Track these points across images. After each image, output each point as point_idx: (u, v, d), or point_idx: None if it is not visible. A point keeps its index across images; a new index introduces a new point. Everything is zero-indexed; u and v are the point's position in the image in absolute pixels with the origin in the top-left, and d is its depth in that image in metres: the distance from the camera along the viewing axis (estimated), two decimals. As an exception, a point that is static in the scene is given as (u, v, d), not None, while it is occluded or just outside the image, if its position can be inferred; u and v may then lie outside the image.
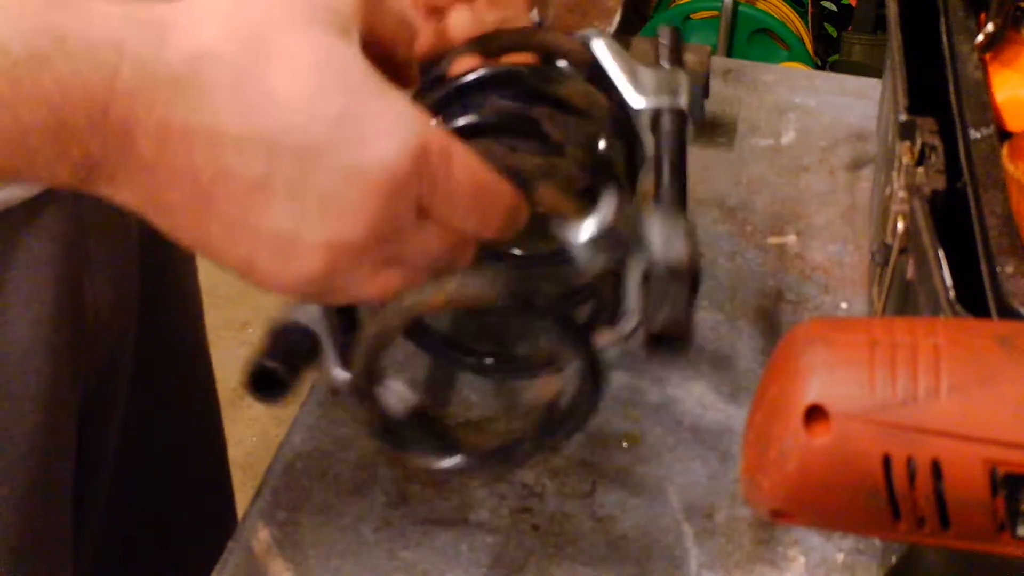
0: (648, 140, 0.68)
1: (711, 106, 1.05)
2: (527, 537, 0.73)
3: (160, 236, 0.52)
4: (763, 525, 0.74)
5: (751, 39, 2.28)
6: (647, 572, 0.72)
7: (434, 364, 0.79)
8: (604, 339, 0.60)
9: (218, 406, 1.09)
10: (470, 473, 0.67)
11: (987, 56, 0.72)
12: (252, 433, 2.13)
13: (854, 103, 1.09)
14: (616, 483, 0.76)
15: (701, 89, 0.99)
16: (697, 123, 1.05)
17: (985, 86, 0.70)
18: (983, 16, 0.74)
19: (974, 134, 0.66)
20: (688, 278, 0.59)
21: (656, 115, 0.68)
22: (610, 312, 0.62)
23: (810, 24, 2.39)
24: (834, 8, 2.51)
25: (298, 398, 0.83)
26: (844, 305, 0.90)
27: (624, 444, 0.79)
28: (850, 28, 2.34)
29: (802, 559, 0.73)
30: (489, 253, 0.59)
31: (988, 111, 0.68)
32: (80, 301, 0.79)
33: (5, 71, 0.45)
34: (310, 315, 0.61)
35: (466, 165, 0.52)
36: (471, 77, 0.66)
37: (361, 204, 0.49)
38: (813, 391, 0.50)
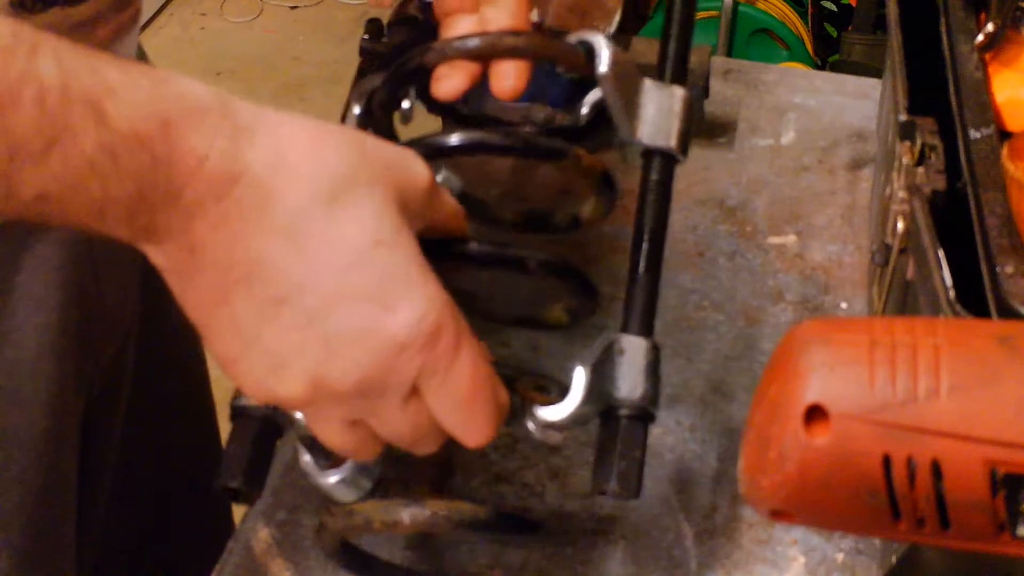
0: (634, 160, 0.67)
1: (711, 106, 1.05)
2: (527, 537, 0.73)
3: None
4: (763, 525, 0.74)
5: (751, 39, 2.28)
6: (647, 572, 0.72)
7: None
8: (546, 415, 0.61)
9: (214, 407, 1.10)
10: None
11: (987, 56, 0.72)
12: (252, 433, 2.13)
13: (854, 103, 1.09)
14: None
15: (701, 89, 1.00)
16: (697, 123, 1.05)
17: (985, 86, 0.70)
18: (983, 16, 0.74)
19: (974, 134, 0.66)
20: (646, 423, 0.62)
21: (647, 153, 0.66)
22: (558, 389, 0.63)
23: (810, 24, 2.39)
24: (834, 8, 2.51)
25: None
26: (844, 305, 0.90)
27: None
28: (850, 28, 2.34)
29: (802, 559, 0.73)
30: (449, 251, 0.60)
31: (988, 111, 0.68)
32: (86, 306, 0.79)
33: (109, 147, 0.48)
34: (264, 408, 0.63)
35: (471, 360, 0.54)
36: (466, 139, 0.66)
37: (361, 358, 0.52)
38: (813, 391, 0.50)
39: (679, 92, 0.66)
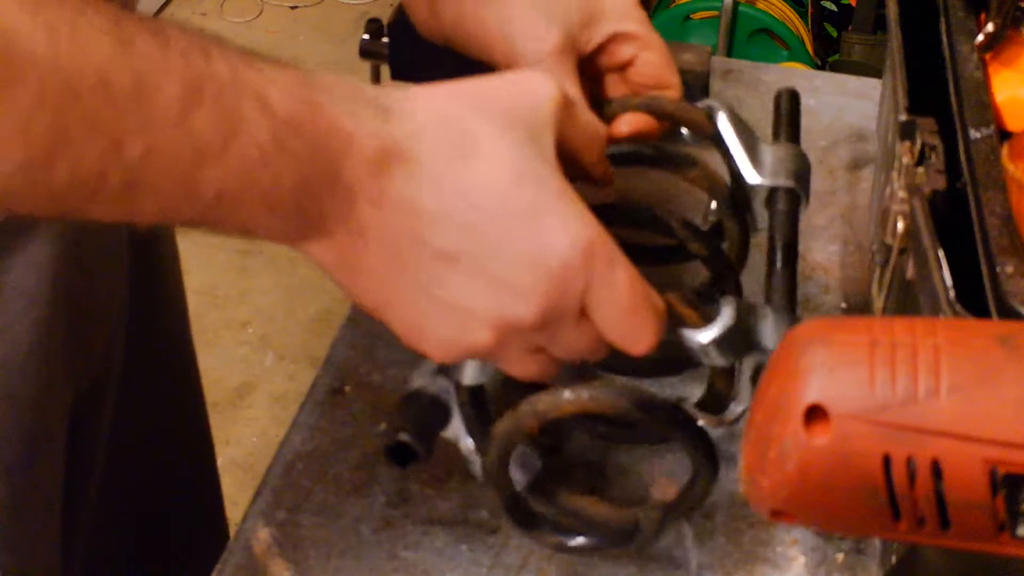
0: (761, 213, 0.74)
1: (711, 106, 1.05)
2: (527, 537, 0.73)
3: (148, 237, 0.54)
4: (763, 525, 0.74)
5: (751, 39, 2.27)
6: (647, 572, 0.72)
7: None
8: (712, 424, 0.67)
9: (205, 407, 1.09)
10: (596, 551, 0.71)
11: (987, 56, 0.72)
12: (252, 433, 2.13)
13: (854, 103, 1.09)
14: (616, 483, 0.76)
15: (701, 89, 0.99)
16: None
17: (985, 86, 0.70)
18: (983, 16, 0.73)
19: (974, 134, 0.66)
20: None
21: (771, 193, 0.74)
22: (718, 399, 0.69)
23: (810, 24, 2.39)
24: (834, 8, 2.51)
25: (298, 398, 0.83)
26: (844, 305, 0.89)
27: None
28: (850, 28, 2.34)
29: (802, 559, 0.73)
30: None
31: (988, 111, 0.68)
32: (75, 302, 0.79)
33: (276, 135, 0.51)
34: (440, 385, 0.66)
35: (627, 273, 0.58)
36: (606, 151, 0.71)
37: (534, 289, 0.55)
38: (813, 391, 0.50)
39: (795, 147, 0.76)
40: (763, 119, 1.07)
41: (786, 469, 0.50)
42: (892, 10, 0.78)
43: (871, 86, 1.11)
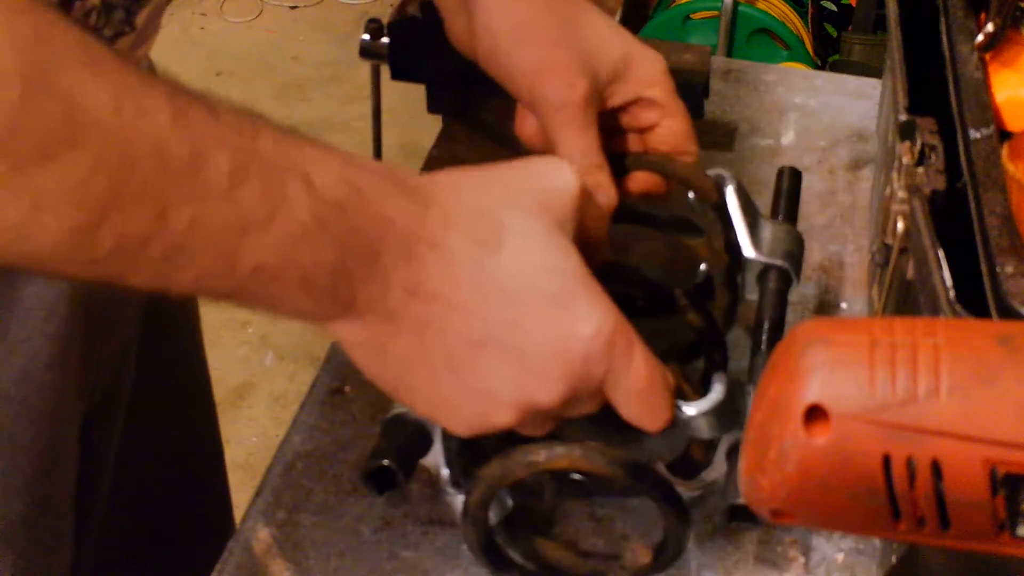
0: (751, 283, 0.78)
1: (711, 106, 1.05)
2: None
3: None
4: (763, 525, 0.74)
5: (751, 39, 2.27)
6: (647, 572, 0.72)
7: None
8: (683, 489, 0.69)
9: (215, 408, 1.10)
10: None
11: (987, 56, 0.72)
12: (252, 433, 2.13)
13: (854, 103, 1.09)
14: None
15: (701, 89, 0.99)
16: (697, 123, 1.05)
17: (985, 86, 0.70)
18: (983, 16, 0.74)
19: (974, 134, 0.66)
20: None
21: (765, 269, 0.77)
22: (692, 466, 0.71)
23: (810, 24, 2.39)
24: (834, 8, 2.51)
25: (298, 398, 0.83)
26: (844, 305, 0.89)
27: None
28: (850, 28, 2.34)
29: (802, 559, 0.73)
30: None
31: (988, 111, 0.68)
32: (91, 316, 0.79)
33: (318, 214, 0.52)
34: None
35: (645, 358, 0.60)
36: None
37: (558, 376, 0.57)
38: (813, 391, 0.50)
39: (792, 228, 0.79)
40: (763, 119, 1.07)
41: (786, 469, 0.50)
42: (892, 10, 0.78)
43: (871, 86, 1.11)
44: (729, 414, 0.67)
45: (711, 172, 0.76)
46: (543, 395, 0.58)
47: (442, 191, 0.58)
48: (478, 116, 1.02)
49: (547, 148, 0.75)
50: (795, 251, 0.78)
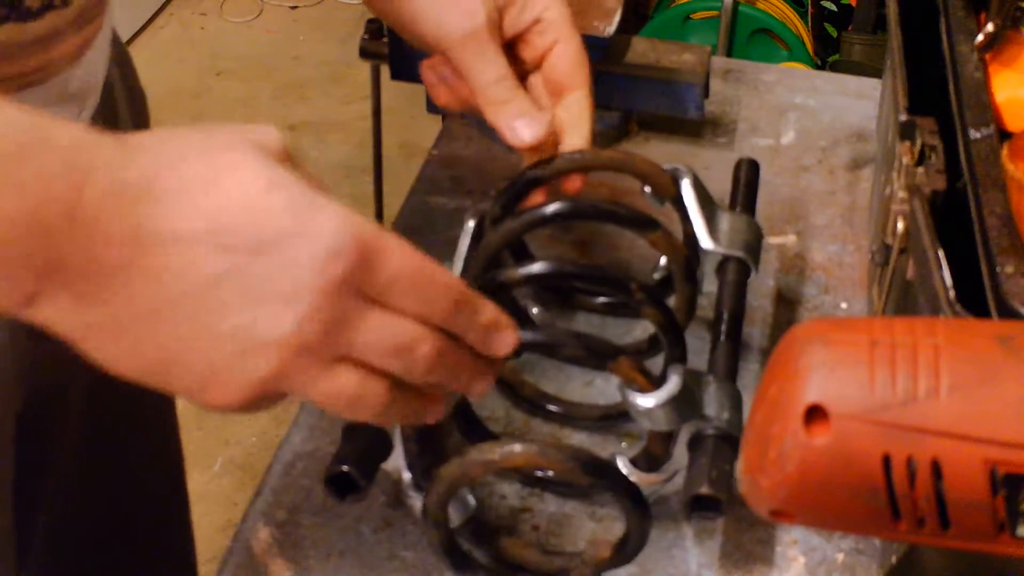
0: (710, 276, 0.79)
1: (711, 106, 1.05)
2: (527, 537, 0.73)
3: None
4: (763, 525, 0.74)
5: (751, 39, 2.27)
6: (647, 572, 0.72)
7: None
8: (644, 483, 0.69)
9: (177, 430, 1.07)
10: None
11: (987, 56, 0.72)
12: (252, 433, 2.13)
13: (854, 103, 1.09)
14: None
15: (701, 89, 1.00)
16: (697, 123, 1.05)
17: (985, 86, 0.70)
18: (983, 16, 0.74)
19: (974, 134, 0.66)
20: (734, 445, 0.67)
21: (723, 260, 0.78)
22: (653, 460, 0.71)
23: (810, 24, 2.39)
24: (834, 8, 2.51)
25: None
26: (844, 305, 0.90)
27: (623, 444, 0.79)
28: (850, 28, 2.34)
29: (802, 559, 0.73)
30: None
31: (988, 111, 0.68)
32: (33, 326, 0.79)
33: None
34: None
35: (402, 253, 0.54)
36: (568, 206, 0.75)
37: (307, 293, 0.52)
38: (813, 391, 0.50)
39: (750, 219, 0.80)
40: (763, 119, 1.07)
41: (786, 469, 0.51)
42: (892, 10, 0.78)
43: (871, 86, 1.11)
44: (687, 405, 0.67)
45: (667, 166, 0.77)
46: (297, 320, 0.52)
47: (147, 139, 0.53)
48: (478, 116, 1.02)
49: (468, 106, 0.78)
50: (753, 242, 0.79)
